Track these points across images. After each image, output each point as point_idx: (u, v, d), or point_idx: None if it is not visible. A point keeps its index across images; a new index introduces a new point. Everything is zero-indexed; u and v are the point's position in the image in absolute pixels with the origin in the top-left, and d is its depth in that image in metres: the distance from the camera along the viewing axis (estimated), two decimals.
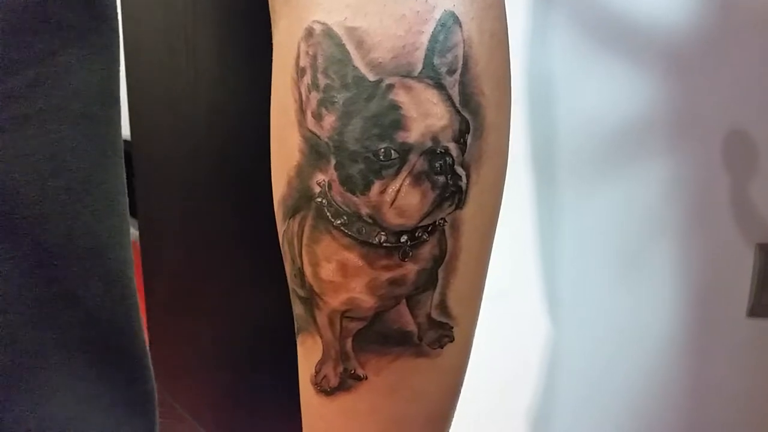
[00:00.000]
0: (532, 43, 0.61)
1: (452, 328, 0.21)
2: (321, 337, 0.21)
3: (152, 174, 1.10)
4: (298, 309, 0.22)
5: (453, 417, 0.24)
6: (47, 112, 0.22)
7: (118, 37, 0.25)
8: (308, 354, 0.22)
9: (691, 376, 0.62)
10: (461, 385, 0.24)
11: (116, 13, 0.25)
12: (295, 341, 0.23)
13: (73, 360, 0.24)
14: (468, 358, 0.23)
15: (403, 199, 0.19)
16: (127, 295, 0.26)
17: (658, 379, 0.63)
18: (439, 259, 0.20)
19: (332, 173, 0.19)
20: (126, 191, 0.26)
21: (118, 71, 0.25)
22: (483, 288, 0.23)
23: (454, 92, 0.19)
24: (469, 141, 0.19)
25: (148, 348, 0.28)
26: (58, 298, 0.23)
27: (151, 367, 0.28)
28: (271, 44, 0.21)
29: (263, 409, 1.04)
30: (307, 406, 0.23)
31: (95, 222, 0.24)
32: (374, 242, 0.19)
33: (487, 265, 0.22)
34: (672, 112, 0.57)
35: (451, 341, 0.21)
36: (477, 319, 0.23)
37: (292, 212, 0.21)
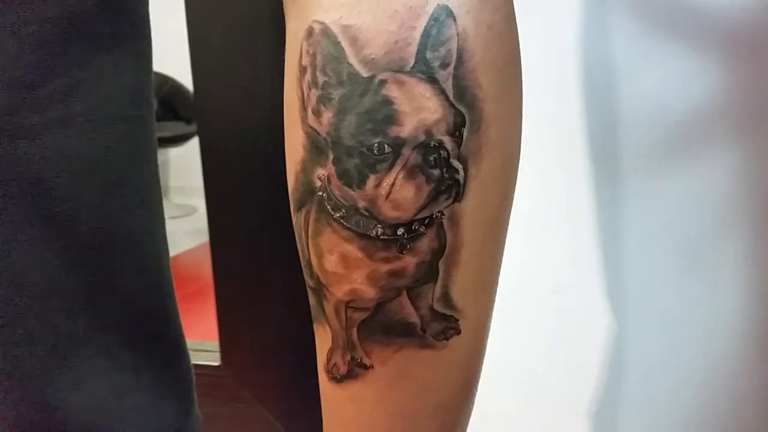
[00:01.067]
0: (589, 31, 0.59)
1: (457, 320, 0.21)
2: (330, 326, 0.22)
3: (219, 170, 1.15)
4: (310, 299, 0.23)
5: (467, 410, 0.24)
6: (83, 114, 0.24)
7: (150, 42, 0.27)
8: (321, 342, 0.23)
9: (764, 374, 0.58)
10: (474, 378, 0.23)
11: (148, 20, 0.26)
12: None
13: (111, 344, 0.26)
14: (480, 351, 0.23)
15: (397, 192, 0.19)
16: (162, 284, 0.28)
17: (729, 380, 0.60)
18: (438, 252, 0.20)
19: (330, 168, 0.20)
20: (160, 185, 0.28)
21: (150, 74, 0.27)
22: (493, 282, 0.22)
23: (448, 86, 0.19)
24: (465, 134, 0.19)
25: (183, 332, 0.29)
26: (98, 286, 0.25)
27: (188, 351, 0.30)
28: None
29: None
30: (322, 392, 0.24)
31: (129, 216, 0.26)
32: (372, 235, 0.20)
33: (497, 258, 0.22)
34: (741, 101, 0.54)
35: (457, 334, 0.21)
36: (489, 313, 0.23)
37: (299, 205, 0.21)
